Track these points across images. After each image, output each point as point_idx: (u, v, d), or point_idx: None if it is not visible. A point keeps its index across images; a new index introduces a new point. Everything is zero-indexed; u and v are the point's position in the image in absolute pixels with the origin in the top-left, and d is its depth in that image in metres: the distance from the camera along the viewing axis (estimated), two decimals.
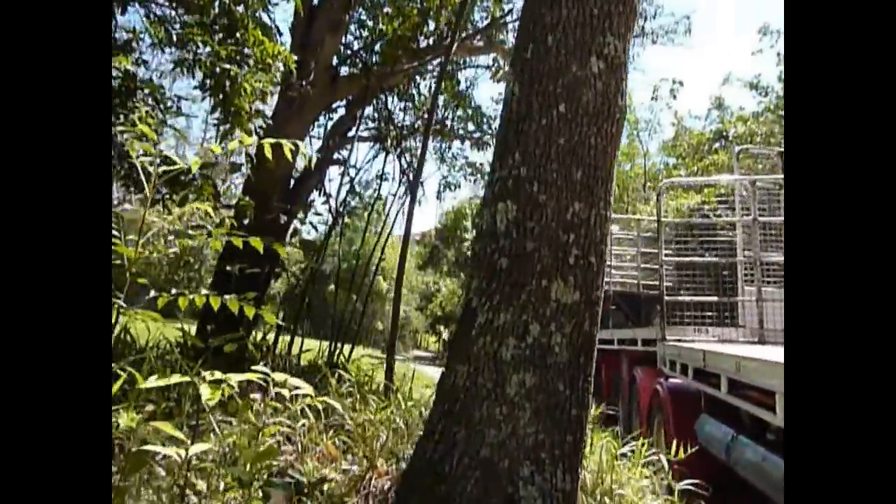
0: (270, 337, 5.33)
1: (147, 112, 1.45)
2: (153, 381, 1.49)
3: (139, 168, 1.43)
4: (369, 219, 6.37)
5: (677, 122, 24.53)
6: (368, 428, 2.37)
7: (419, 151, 3.63)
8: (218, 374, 1.44)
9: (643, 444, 2.71)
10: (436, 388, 1.92)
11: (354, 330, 6.16)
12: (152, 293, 1.55)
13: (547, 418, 1.69)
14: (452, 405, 1.77)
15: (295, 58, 3.72)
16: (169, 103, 3.44)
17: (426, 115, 7.90)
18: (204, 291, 1.69)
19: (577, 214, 1.82)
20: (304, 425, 2.60)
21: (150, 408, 2.99)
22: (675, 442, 3.92)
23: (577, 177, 1.84)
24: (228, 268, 3.49)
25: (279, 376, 1.73)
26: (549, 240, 1.80)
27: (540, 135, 1.89)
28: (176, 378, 1.48)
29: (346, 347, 5.63)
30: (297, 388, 1.72)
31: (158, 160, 1.55)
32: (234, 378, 1.47)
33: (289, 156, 1.70)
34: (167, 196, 4.52)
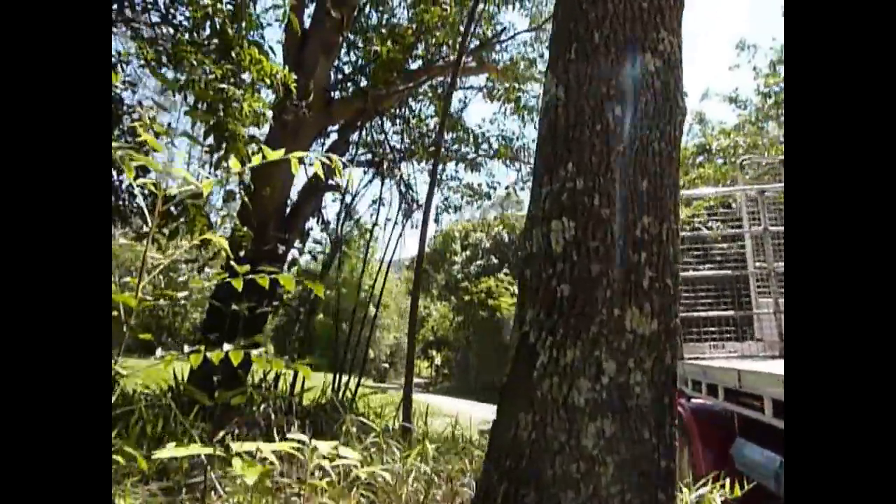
0: (271, 374, 4.98)
1: (152, 118, 1.18)
2: (168, 451, 1.20)
3: (137, 195, 1.17)
4: (368, 246, 6.11)
5: None
6: (400, 485, 2.07)
7: (430, 174, 3.40)
8: (248, 446, 1.15)
9: (712, 489, 2.43)
10: (490, 441, 1.63)
11: (351, 360, 5.86)
12: (159, 352, 1.27)
13: (633, 474, 1.42)
14: (516, 462, 1.49)
15: (294, 77, 3.50)
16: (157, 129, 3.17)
17: (420, 137, 7.73)
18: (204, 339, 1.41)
19: (647, 230, 1.58)
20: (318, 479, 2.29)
21: (142, 465, 2.65)
22: (705, 467, 3.63)
23: (643, 187, 1.61)
24: (235, 307, 3.18)
25: (324, 446, 1.43)
26: (617, 260, 1.55)
27: (595, 142, 1.66)
28: (196, 449, 1.18)
29: (347, 379, 5.29)
30: (343, 457, 1.42)
31: (156, 186, 1.29)
32: (269, 448, 1.18)
33: (310, 170, 1.45)
34: (156, 229, 4.21)
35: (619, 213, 1.59)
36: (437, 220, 8.34)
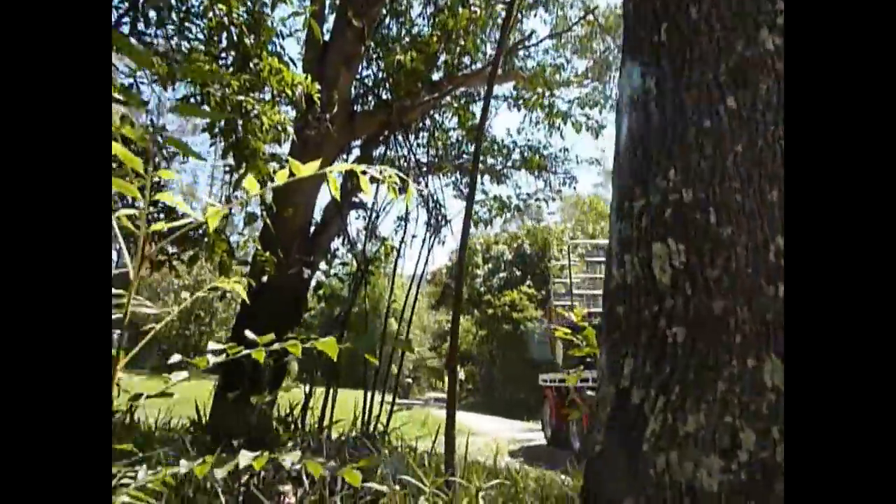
0: (298, 406, 4.66)
1: (123, 117, 0.89)
2: None
3: (117, 228, 0.87)
4: (396, 265, 5.80)
5: None
6: None
7: (468, 186, 3.09)
8: None
9: None
10: None
11: (384, 376, 5.60)
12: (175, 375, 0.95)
13: None
14: None
15: (318, 86, 3.23)
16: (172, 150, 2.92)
17: (446, 149, 7.44)
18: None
19: (783, 254, 1.22)
20: None
21: None
22: None
23: (773, 198, 1.25)
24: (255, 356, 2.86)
25: None
26: (746, 294, 1.19)
27: (705, 142, 1.31)
28: None
29: (381, 399, 4.95)
30: None
31: (152, 212, 0.99)
32: None
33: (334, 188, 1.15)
34: (174, 255, 3.97)
35: (745, 233, 1.23)
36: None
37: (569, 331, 2.56)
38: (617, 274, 1.39)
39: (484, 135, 7.89)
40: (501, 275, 29.27)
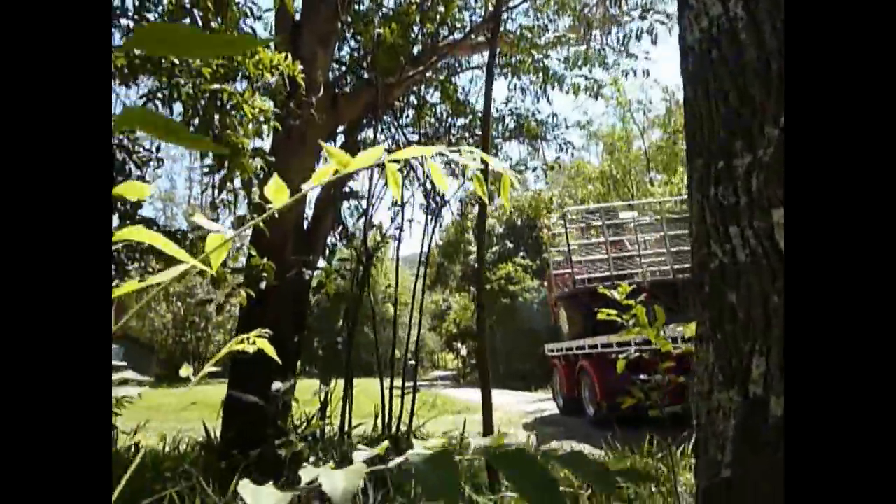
0: (315, 415, 4.41)
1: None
2: None
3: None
4: (398, 253, 5.52)
5: (669, 98, 24.01)
6: None
7: (482, 172, 2.78)
8: None
9: None
10: None
11: (389, 365, 5.47)
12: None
13: None
14: None
15: (300, 67, 2.88)
16: (142, 154, 2.58)
17: (436, 126, 7.08)
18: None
19: None
20: None
21: None
22: None
23: None
24: (277, 386, 2.58)
25: None
26: None
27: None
28: None
29: (401, 395, 4.74)
30: None
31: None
32: None
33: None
34: (158, 270, 3.64)
35: None
36: (461, 214, 7.71)
37: (613, 311, 2.30)
38: (719, 251, 1.11)
39: (472, 106, 7.53)
40: (494, 249, 29.08)
